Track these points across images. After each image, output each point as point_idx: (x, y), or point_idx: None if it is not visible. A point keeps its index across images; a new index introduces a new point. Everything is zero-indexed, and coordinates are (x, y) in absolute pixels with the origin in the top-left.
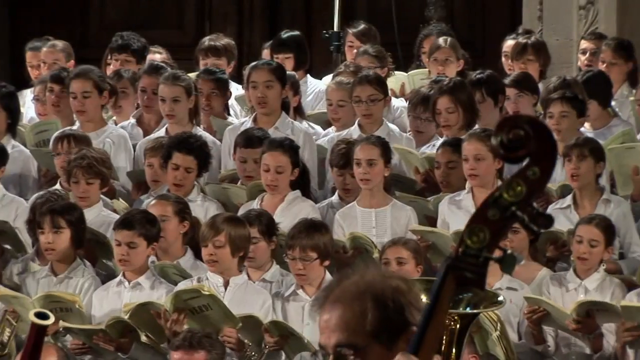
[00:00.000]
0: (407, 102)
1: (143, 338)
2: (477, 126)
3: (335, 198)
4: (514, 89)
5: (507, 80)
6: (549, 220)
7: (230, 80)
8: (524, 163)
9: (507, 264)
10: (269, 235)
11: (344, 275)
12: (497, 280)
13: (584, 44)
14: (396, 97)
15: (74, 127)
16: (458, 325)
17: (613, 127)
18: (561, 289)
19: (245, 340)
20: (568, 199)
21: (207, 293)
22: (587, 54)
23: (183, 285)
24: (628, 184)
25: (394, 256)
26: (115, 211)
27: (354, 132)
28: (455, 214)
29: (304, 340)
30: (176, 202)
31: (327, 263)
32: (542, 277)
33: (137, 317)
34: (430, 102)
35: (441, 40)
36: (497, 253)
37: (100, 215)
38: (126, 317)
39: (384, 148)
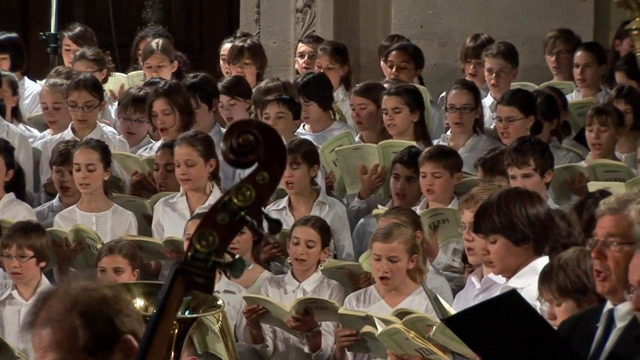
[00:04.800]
0: (117, 104)
1: None
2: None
3: (55, 201)
4: (225, 96)
5: (219, 87)
6: (278, 224)
7: None
8: (253, 168)
9: (236, 269)
10: None
11: (49, 293)
12: (215, 283)
13: (302, 47)
14: (115, 98)
15: None
16: (176, 330)
17: (334, 130)
18: (280, 291)
19: None
20: (284, 201)
21: None
22: (305, 57)
23: None
24: (356, 183)
25: (110, 265)
26: None
27: (66, 135)
28: (169, 215)
29: (15, 352)
30: None
31: (43, 264)
32: (263, 279)
33: None
34: (147, 105)
35: (153, 44)
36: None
37: None
38: None
39: (104, 152)
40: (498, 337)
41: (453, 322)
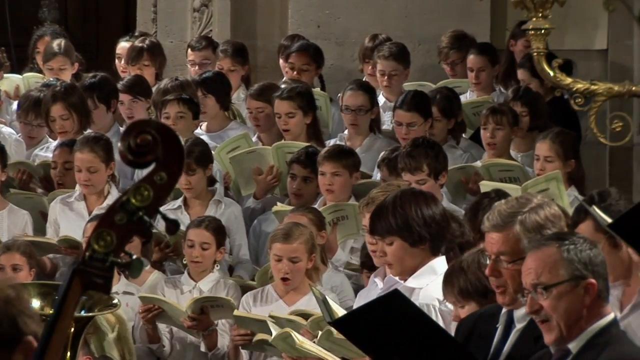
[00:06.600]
0: (17, 107)
1: None
2: (90, 131)
3: None
4: (127, 95)
5: (119, 86)
6: (175, 225)
7: None
8: (151, 168)
9: (134, 269)
10: None
11: None
12: (114, 284)
13: (192, 56)
14: (10, 99)
15: None
16: (72, 329)
17: (231, 130)
18: (176, 292)
19: None
20: (179, 201)
21: None
22: (197, 67)
23: None
24: (250, 185)
25: (8, 263)
26: None
27: None
28: (67, 215)
29: None
30: None
31: None
32: (155, 280)
33: None
34: (43, 110)
35: (55, 46)
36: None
37: None
38: None
39: (0, 154)
40: (386, 337)
41: (340, 324)
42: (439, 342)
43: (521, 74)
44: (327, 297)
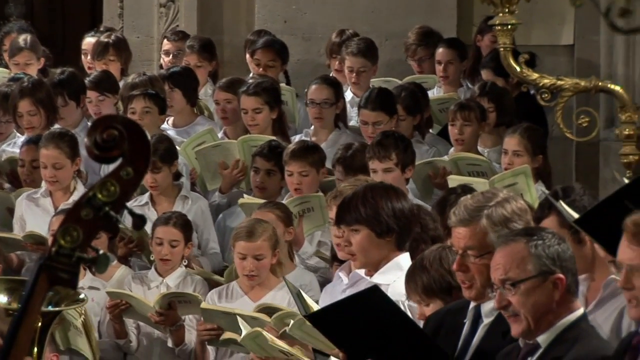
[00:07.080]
0: None
1: None
2: (57, 126)
3: None
4: (94, 92)
5: (87, 82)
6: (142, 220)
7: None
8: (118, 163)
9: (101, 264)
10: None
11: None
12: (80, 280)
13: (167, 45)
14: None
15: None
16: (39, 324)
17: (198, 125)
18: (143, 287)
19: None
20: (145, 197)
21: None
22: (170, 56)
23: None
24: (216, 179)
25: None
26: None
27: None
28: (33, 211)
29: None
30: None
31: None
32: (122, 275)
33: None
34: (10, 105)
35: (21, 41)
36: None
37: None
38: None
39: None
40: (361, 332)
41: (316, 318)
42: (413, 338)
43: (485, 74)
44: (300, 290)
